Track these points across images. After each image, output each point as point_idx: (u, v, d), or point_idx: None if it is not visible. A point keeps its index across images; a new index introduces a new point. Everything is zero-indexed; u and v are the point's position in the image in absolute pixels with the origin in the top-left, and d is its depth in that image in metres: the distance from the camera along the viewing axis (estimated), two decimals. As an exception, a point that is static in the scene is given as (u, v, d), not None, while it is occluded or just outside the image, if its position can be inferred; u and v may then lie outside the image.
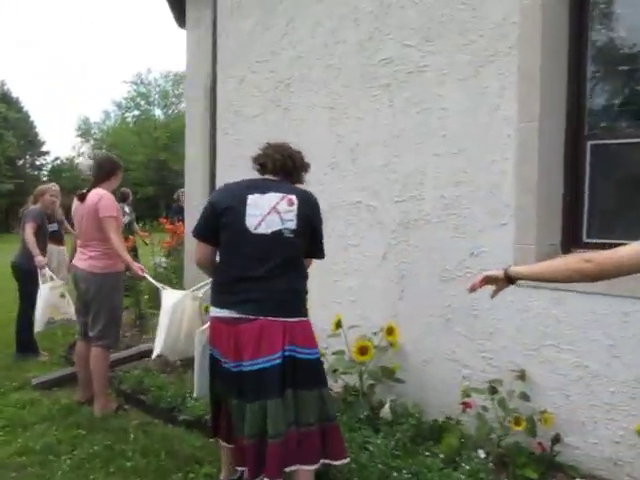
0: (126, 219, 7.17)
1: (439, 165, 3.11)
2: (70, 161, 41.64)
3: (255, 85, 4.15)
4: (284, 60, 3.93)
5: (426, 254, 3.16)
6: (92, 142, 43.32)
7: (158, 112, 41.31)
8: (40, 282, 4.36)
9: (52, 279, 4.43)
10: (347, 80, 3.55)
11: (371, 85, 3.41)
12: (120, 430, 3.26)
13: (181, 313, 3.00)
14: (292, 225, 2.20)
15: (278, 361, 2.13)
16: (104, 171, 3.69)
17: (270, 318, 2.16)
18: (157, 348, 3.07)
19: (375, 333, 3.15)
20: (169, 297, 3.12)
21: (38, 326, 4.23)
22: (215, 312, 2.29)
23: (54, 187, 5.22)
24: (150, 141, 38.60)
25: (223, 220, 2.26)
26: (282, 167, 2.35)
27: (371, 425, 2.91)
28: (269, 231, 2.19)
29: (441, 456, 2.64)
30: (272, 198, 2.22)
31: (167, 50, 69.69)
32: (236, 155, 4.13)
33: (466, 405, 2.75)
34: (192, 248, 3.15)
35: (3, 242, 14.08)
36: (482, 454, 2.62)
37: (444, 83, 3.08)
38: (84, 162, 38.53)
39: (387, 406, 3.01)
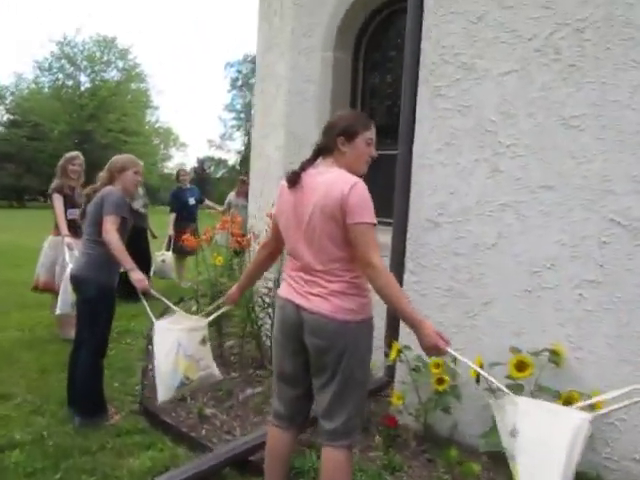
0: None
1: None
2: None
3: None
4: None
5: None
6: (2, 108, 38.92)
7: (84, 78, 38.24)
8: (152, 318, 2.82)
9: (179, 312, 2.88)
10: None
11: None
12: None
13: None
14: None
15: None
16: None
17: None
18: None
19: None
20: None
21: (163, 395, 2.64)
22: None
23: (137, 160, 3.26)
24: (74, 109, 35.75)
25: None
26: None
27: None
28: None
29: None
30: None
31: (99, 11, 64.66)
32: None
33: None
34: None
35: None
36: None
37: None
38: None
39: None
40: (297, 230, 1.99)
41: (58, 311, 4.09)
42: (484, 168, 2.84)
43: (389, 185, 3.44)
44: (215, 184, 56.87)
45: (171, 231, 6.98)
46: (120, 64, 38.59)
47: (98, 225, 2.95)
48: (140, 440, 2.90)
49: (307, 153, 4.29)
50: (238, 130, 49.81)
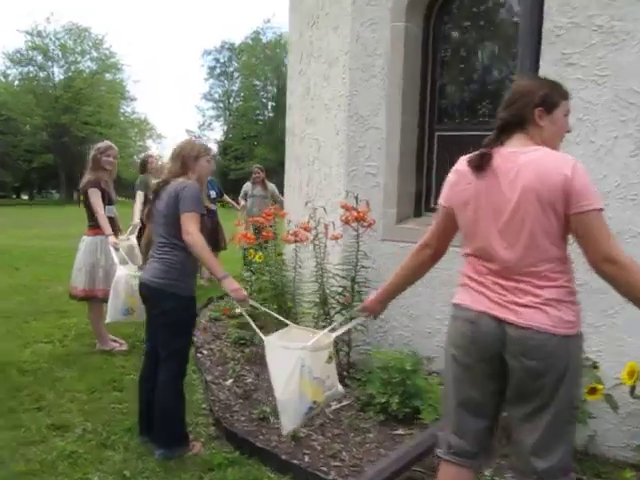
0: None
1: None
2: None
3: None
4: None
5: None
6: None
7: (57, 69, 36.73)
8: (260, 335, 2.39)
9: (293, 326, 2.52)
10: None
11: None
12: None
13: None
14: None
15: None
16: None
17: None
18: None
19: None
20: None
21: (289, 424, 2.26)
22: None
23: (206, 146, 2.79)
24: (48, 102, 34.35)
25: None
26: None
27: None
28: None
29: None
30: None
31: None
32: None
33: None
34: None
35: None
36: None
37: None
38: None
39: None
40: (492, 224, 1.60)
41: (108, 319, 3.65)
42: (626, 145, 2.48)
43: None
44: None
45: None
46: (94, 54, 37.19)
47: (174, 225, 2.50)
48: (240, 475, 2.48)
49: (374, 136, 3.94)
50: (217, 120, 48.90)
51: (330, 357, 2.23)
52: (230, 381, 3.66)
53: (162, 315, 2.55)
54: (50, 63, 36.02)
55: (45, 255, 9.50)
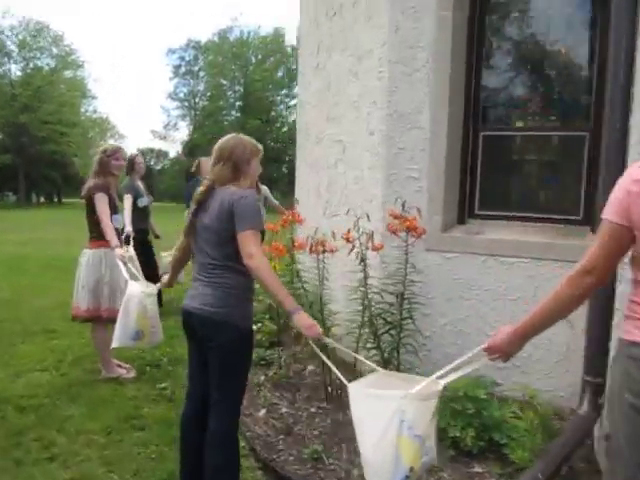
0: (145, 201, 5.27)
1: None
2: None
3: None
4: None
5: None
6: None
7: (15, 66, 35.01)
8: (343, 380, 1.93)
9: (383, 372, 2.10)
10: None
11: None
12: None
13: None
14: None
15: None
16: None
17: None
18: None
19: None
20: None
21: None
22: None
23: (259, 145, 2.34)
24: (5, 100, 32.67)
25: None
26: None
27: None
28: None
29: None
30: None
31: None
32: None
33: None
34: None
35: None
36: None
37: None
38: None
39: None
40: None
41: (115, 344, 3.18)
42: None
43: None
44: (156, 177, 54.48)
45: None
46: (54, 50, 35.61)
47: (228, 244, 2.09)
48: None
49: (417, 136, 3.60)
50: (183, 119, 47.67)
51: (434, 413, 1.75)
52: (263, 411, 3.25)
53: (217, 350, 2.13)
54: (6, 59, 34.28)
55: (23, 263, 8.76)
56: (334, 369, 1.99)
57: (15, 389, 3.47)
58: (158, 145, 71.04)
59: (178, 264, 2.57)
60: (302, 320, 1.99)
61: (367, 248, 3.25)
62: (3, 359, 4.03)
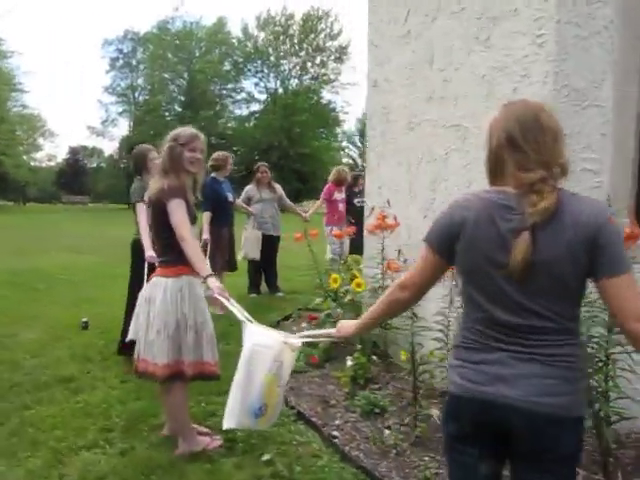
0: None
1: None
2: None
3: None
4: None
5: None
6: None
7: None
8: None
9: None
10: None
11: None
12: None
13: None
14: None
15: None
16: None
17: None
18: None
19: None
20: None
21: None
22: None
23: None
24: None
25: None
26: None
27: None
28: None
29: None
30: None
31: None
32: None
33: None
34: None
35: None
36: None
37: None
38: None
39: None
40: None
41: (231, 423, 2.13)
42: None
43: None
44: (91, 175, 50.95)
45: (207, 234, 5.08)
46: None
47: (578, 295, 1.26)
48: None
49: (594, 117, 2.84)
50: (122, 115, 44.77)
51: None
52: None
53: (556, 463, 1.26)
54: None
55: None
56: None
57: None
58: (93, 142, 66.83)
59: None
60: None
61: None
62: (27, 435, 2.85)
